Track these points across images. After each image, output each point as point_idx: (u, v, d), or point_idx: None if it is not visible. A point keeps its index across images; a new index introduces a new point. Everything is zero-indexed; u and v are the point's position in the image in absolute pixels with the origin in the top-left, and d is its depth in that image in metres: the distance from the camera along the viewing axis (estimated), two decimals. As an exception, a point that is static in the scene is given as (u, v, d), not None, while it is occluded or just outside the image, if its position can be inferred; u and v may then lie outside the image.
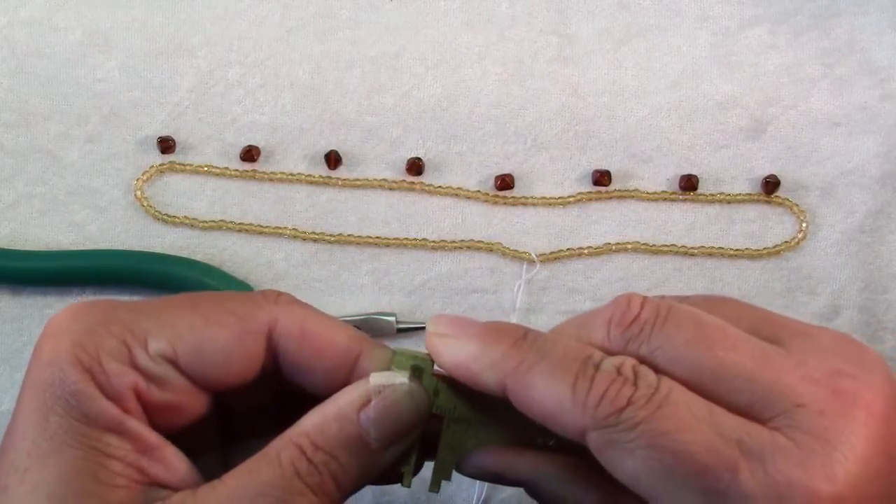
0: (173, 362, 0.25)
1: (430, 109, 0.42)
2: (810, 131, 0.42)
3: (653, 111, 0.42)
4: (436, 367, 0.27)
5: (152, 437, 0.25)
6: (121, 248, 0.40)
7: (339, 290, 0.40)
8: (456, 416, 0.27)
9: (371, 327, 0.38)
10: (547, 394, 0.24)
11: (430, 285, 0.40)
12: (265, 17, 0.43)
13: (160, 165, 0.41)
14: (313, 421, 0.25)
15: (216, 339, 0.26)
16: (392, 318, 0.39)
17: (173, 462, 0.25)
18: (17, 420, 0.24)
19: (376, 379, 0.26)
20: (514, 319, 0.39)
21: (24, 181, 0.41)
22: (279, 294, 0.27)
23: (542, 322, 0.39)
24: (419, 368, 0.27)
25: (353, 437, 0.25)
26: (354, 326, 0.36)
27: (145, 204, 0.41)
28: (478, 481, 0.38)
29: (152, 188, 0.41)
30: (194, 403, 0.26)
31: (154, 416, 0.25)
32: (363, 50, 0.42)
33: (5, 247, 0.40)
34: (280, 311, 0.27)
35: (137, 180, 0.41)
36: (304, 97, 0.42)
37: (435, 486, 0.28)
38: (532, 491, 0.28)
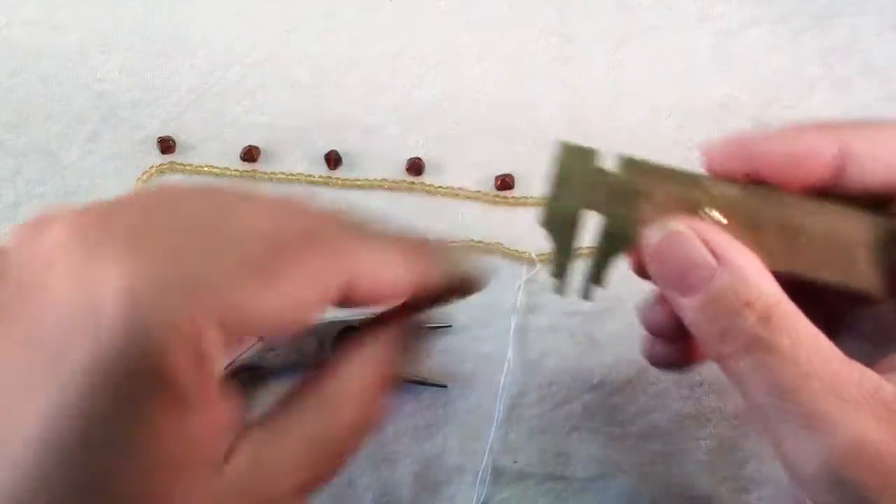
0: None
1: (430, 109, 0.42)
2: (810, 131, 0.42)
3: (653, 111, 0.42)
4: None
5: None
6: (121, 248, 0.40)
7: (339, 291, 0.40)
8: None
9: None
10: None
11: (430, 285, 0.40)
12: (265, 17, 0.43)
13: (160, 165, 0.41)
14: None
15: (294, 317, 0.23)
16: None
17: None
18: None
19: None
20: (514, 319, 0.39)
21: (24, 181, 0.41)
22: (354, 240, 0.25)
23: (543, 322, 0.39)
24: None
25: None
26: (352, 323, 0.37)
27: (145, 204, 0.41)
28: (477, 481, 0.38)
29: (152, 188, 0.41)
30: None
31: None
32: (363, 50, 0.42)
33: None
34: (356, 265, 0.24)
35: (137, 180, 0.41)
36: (304, 97, 0.42)
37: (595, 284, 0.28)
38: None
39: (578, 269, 0.28)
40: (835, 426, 0.23)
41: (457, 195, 0.41)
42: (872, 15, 0.43)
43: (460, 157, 0.41)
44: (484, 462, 0.38)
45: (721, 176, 0.27)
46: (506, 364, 0.39)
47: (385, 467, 0.38)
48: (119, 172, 0.41)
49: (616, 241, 0.27)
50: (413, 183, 0.41)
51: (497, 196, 0.41)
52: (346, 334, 0.38)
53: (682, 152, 0.41)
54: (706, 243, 0.25)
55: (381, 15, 0.43)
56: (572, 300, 0.40)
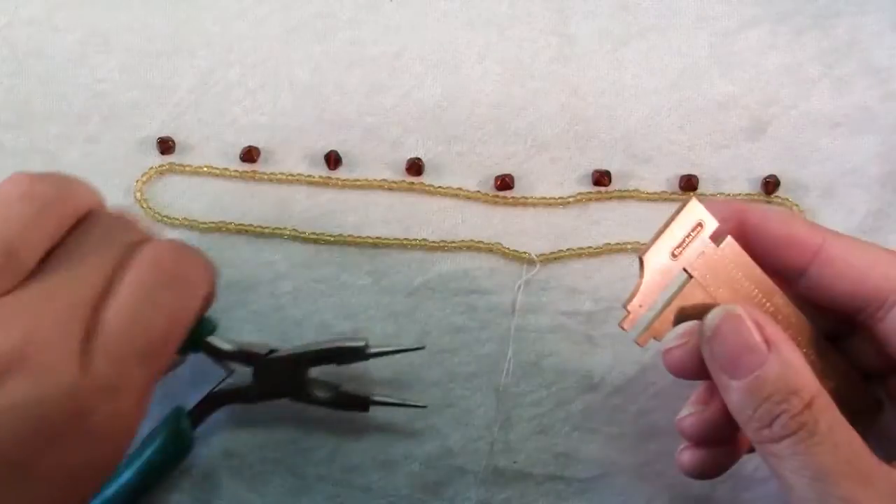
0: None
1: (430, 109, 0.42)
2: (810, 131, 0.42)
3: (653, 111, 0.42)
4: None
5: None
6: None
7: (339, 291, 0.40)
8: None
9: (341, 354, 0.37)
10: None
11: (430, 285, 0.40)
12: (265, 17, 0.43)
13: (160, 166, 0.41)
14: None
15: None
16: (363, 343, 0.37)
17: None
18: None
19: None
20: (514, 320, 0.39)
21: (24, 181, 0.41)
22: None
23: (543, 322, 0.39)
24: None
25: None
26: (322, 353, 0.37)
27: (145, 206, 0.41)
28: (477, 481, 0.38)
29: (152, 189, 0.41)
30: None
31: None
32: (363, 50, 0.42)
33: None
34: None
35: (137, 181, 0.41)
36: (304, 97, 0.42)
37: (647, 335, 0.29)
38: None
39: (647, 314, 0.29)
40: None
41: (457, 195, 0.41)
42: (872, 15, 0.43)
43: (460, 157, 0.41)
44: (484, 462, 0.38)
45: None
46: (506, 364, 0.39)
47: (385, 467, 0.38)
48: (119, 173, 0.41)
49: (688, 310, 0.29)
50: (413, 183, 0.41)
51: (497, 196, 0.41)
52: (319, 362, 0.37)
53: (682, 152, 0.42)
54: (760, 329, 0.27)
55: (381, 15, 0.43)
56: (572, 300, 0.40)
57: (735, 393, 0.27)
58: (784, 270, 0.29)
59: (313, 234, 0.40)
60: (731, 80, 0.42)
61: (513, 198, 0.41)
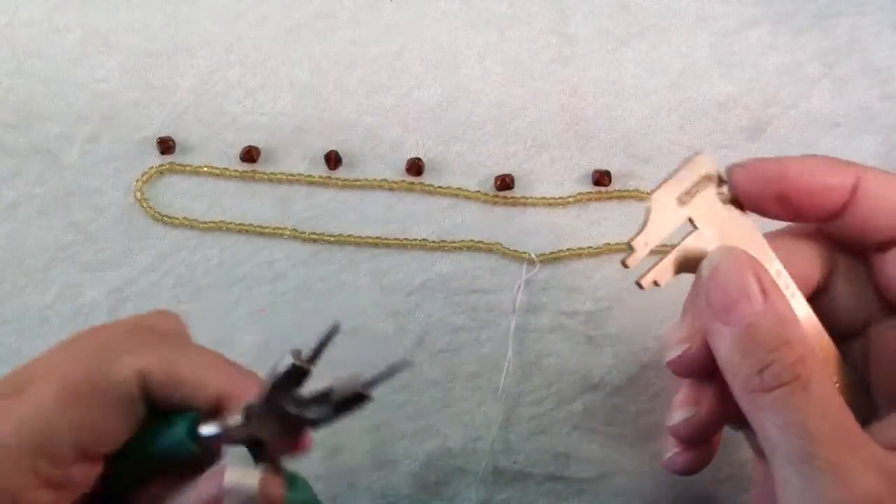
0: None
1: (430, 109, 0.42)
2: (810, 131, 0.42)
3: (653, 111, 0.42)
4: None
5: None
6: (120, 249, 0.40)
7: (340, 290, 0.40)
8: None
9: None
10: None
11: (430, 285, 0.40)
12: (265, 18, 0.43)
13: (160, 166, 0.41)
14: None
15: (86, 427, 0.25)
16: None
17: None
18: None
19: (230, 477, 0.25)
20: (514, 320, 0.39)
21: (24, 181, 0.41)
22: (149, 332, 0.27)
23: (543, 322, 0.39)
24: None
25: None
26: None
27: (145, 205, 0.41)
28: (477, 481, 0.38)
29: (152, 189, 0.41)
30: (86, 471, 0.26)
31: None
32: (363, 50, 0.42)
33: (4, 246, 0.40)
34: (146, 359, 0.26)
35: (137, 181, 0.41)
36: (304, 97, 0.42)
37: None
38: None
39: (648, 259, 0.29)
40: (853, 479, 0.24)
41: (457, 195, 0.41)
42: (872, 15, 0.43)
43: (460, 157, 0.41)
44: (484, 462, 0.38)
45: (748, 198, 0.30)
46: (506, 364, 0.39)
47: (385, 467, 0.38)
48: (119, 173, 0.41)
49: (689, 260, 0.29)
50: (413, 183, 0.41)
51: (497, 196, 0.41)
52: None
53: (682, 152, 0.42)
54: (757, 277, 0.27)
55: (381, 15, 0.43)
56: (572, 300, 0.40)
57: (726, 340, 0.26)
58: (827, 214, 0.29)
59: (313, 234, 0.40)
60: (731, 80, 0.42)
61: (513, 198, 0.41)
